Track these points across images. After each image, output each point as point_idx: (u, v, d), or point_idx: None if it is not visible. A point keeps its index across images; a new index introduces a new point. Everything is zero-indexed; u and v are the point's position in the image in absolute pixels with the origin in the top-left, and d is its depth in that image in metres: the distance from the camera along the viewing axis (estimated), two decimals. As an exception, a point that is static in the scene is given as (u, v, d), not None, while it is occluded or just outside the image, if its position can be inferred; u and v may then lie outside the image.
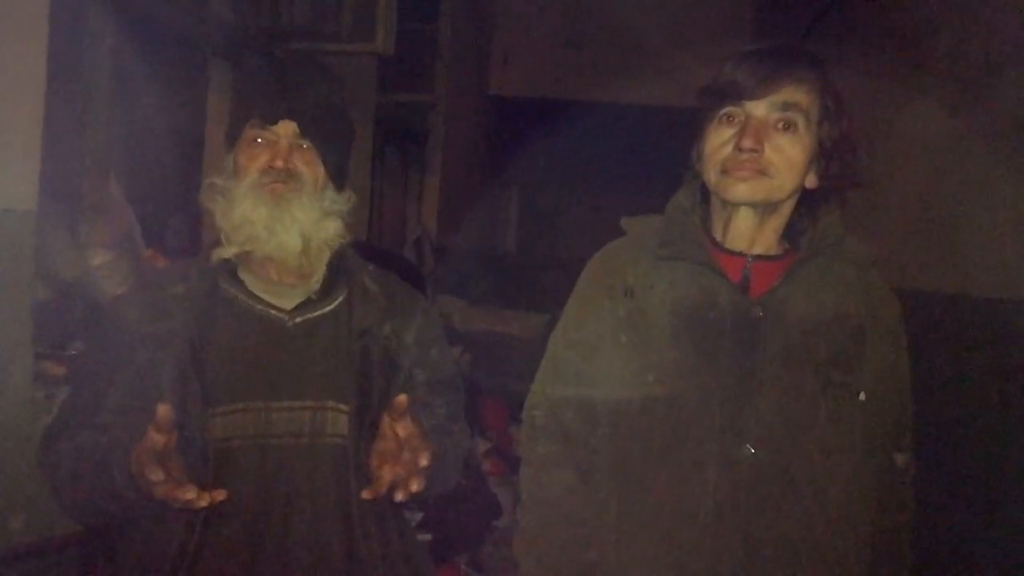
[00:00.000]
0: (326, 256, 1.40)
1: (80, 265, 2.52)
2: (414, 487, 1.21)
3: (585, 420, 1.37)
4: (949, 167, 3.06)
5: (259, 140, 1.36)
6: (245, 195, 1.33)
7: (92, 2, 2.69)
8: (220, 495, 1.18)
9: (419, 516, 3.08)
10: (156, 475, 1.14)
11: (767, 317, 1.29)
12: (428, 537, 2.99)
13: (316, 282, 1.41)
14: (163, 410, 1.13)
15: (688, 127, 1.39)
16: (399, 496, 1.21)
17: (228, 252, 1.36)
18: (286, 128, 1.36)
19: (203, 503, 1.16)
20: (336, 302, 1.42)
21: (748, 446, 1.26)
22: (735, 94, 1.28)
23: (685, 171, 1.39)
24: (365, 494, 1.24)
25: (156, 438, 1.15)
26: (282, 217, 1.33)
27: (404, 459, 1.23)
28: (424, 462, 1.22)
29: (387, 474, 1.23)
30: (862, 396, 1.30)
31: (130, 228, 2.72)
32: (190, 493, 1.14)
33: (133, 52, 2.95)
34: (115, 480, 1.23)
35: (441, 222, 6.47)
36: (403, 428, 1.24)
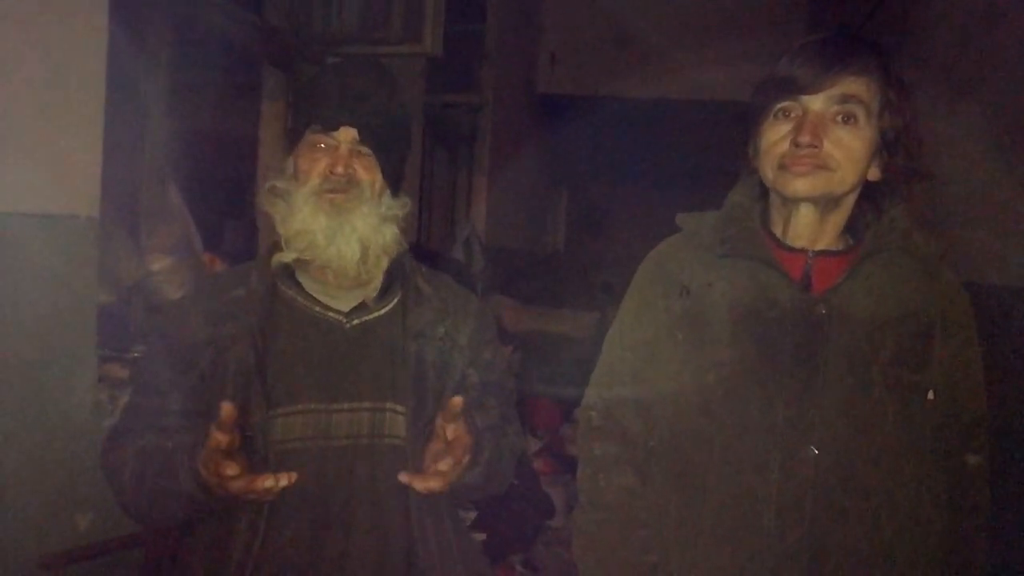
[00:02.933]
0: (384, 263, 1.42)
1: (141, 269, 2.57)
2: (433, 484, 1.25)
3: (643, 421, 1.35)
4: (1010, 159, 2.96)
5: (320, 145, 1.38)
6: (305, 202, 1.35)
7: (150, 13, 2.75)
8: (289, 478, 1.21)
9: (473, 515, 3.09)
10: (232, 469, 1.18)
11: (830, 315, 1.25)
12: (482, 536, 2.99)
13: (374, 289, 1.42)
14: (227, 409, 1.17)
15: (740, 121, 1.36)
16: (417, 485, 1.24)
17: (288, 257, 1.38)
18: (347, 134, 1.37)
19: (283, 483, 1.19)
20: (391, 304, 1.44)
21: (812, 447, 1.23)
22: (791, 88, 1.24)
23: (741, 166, 1.37)
24: (401, 476, 1.26)
25: (220, 437, 1.18)
26: (341, 227, 1.35)
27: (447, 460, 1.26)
28: (446, 466, 1.25)
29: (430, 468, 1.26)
30: (931, 395, 1.26)
31: (189, 233, 2.77)
32: (268, 481, 1.18)
33: (189, 61, 3.02)
34: (181, 482, 1.26)
35: (490, 222, 6.47)
36: (452, 430, 1.26)
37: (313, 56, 3.50)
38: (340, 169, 1.36)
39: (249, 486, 1.19)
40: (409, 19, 3.50)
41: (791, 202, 1.29)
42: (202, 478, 1.23)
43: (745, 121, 1.34)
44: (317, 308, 1.40)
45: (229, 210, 3.65)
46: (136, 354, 2.34)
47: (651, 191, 8.57)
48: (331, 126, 1.37)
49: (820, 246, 1.31)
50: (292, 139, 1.43)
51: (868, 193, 1.32)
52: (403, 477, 1.26)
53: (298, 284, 1.42)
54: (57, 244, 2.01)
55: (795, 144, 1.23)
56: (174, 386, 1.36)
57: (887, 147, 1.27)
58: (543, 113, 7.83)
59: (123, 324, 2.44)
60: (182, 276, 2.61)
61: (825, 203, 1.28)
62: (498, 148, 6.53)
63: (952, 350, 1.29)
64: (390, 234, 1.40)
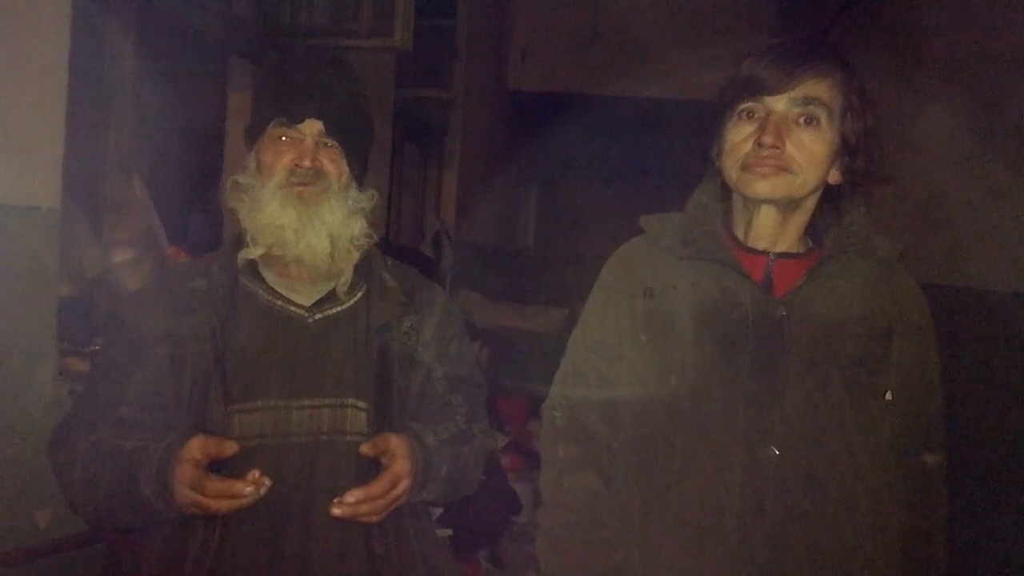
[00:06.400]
0: (355, 256, 1.40)
1: (103, 262, 2.54)
2: (357, 512, 1.28)
3: (606, 422, 1.36)
4: (976, 163, 3.01)
5: (284, 138, 1.36)
6: (272, 196, 1.34)
7: (114, 1, 2.71)
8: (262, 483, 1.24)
9: (439, 511, 3.09)
10: (256, 481, 1.22)
11: (791, 317, 1.27)
12: (448, 532, 2.99)
13: (345, 283, 1.41)
14: (230, 446, 1.23)
15: (710, 122, 1.37)
16: (335, 511, 1.27)
17: (255, 253, 1.36)
18: (312, 127, 1.36)
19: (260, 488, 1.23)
20: (355, 298, 1.42)
21: (773, 448, 1.24)
22: (755, 89, 1.26)
23: (705, 167, 1.38)
24: (334, 509, 1.28)
25: (199, 458, 1.22)
26: (311, 220, 1.34)
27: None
28: (352, 497, 1.28)
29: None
30: (889, 396, 1.28)
31: (153, 225, 2.73)
32: (249, 487, 1.22)
33: (154, 51, 2.97)
34: (141, 490, 1.24)
35: (460, 217, 6.46)
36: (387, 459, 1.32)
37: (281, 48, 3.47)
38: (307, 162, 1.35)
39: (231, 492, 1.22)
40: (379, 13, 3.48)
41: (753, 203, 1.30)
42: (169, 488, 1.23)
43: (712, 121, 1.35)
44: (279, 302, 1.39)
45: (195, 202, 3.61)
46: (97, 348, 2.30)
47: (621, 188, 8.61)
48: (296, 119, 1.35)
49: (781, 248, 1.33)
50: (253, 133, 1.41)
51: (829, 196, 1.34)
52: (335, 509, 1.27)
53: (260, 277, 1.40)
54: (17, 236, 1.97)
55: (758, 145, 1.25)
56: (130, 378, 1.34)
57: (848, 150, 1.29)
58: (514, 109, 7.83)
59: (85, 318, 2.40)
60: (145, 269, 2.58)
61: (786, 204, 1.30)
62: (468, 144, 6.52)
63: (910, 352, 1.31)
64: (358, 227, 1.39)
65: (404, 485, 1.31)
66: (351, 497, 1.27)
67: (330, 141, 1.37)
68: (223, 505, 1.22)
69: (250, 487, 1.22)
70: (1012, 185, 2.76)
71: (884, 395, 1.28)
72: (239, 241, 1.39)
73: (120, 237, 2.64)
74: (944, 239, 3.18)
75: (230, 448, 1.23)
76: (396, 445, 1.32)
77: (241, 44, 3.45)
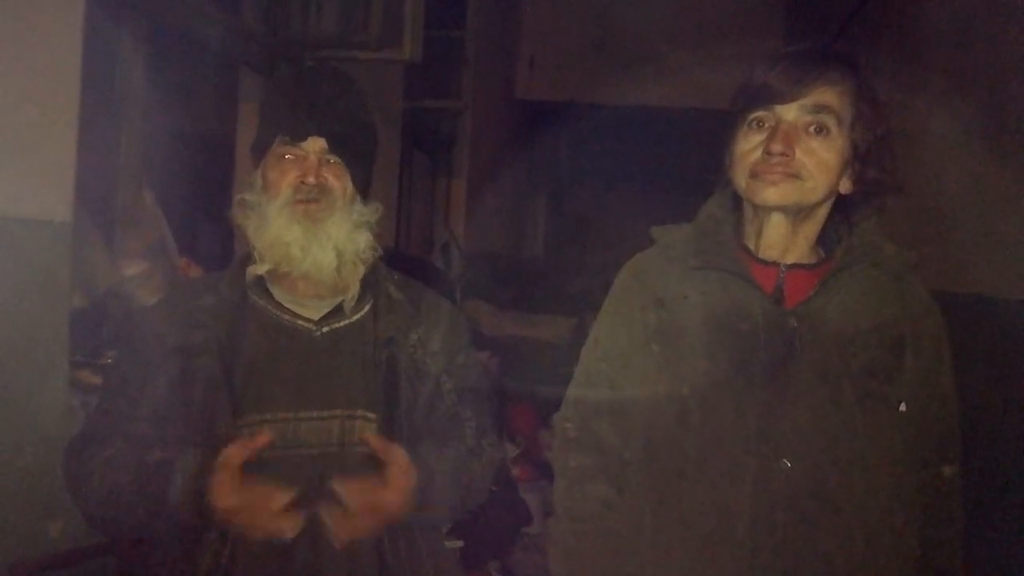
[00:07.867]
0: (361, 270, 1.41)
1: (115, 275, 2.55)
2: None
3: (618, 432, 1.35)
4: (984, 170, 3.00)
5: (288, 156, 1.38)
6: (279, 213, 1.35)
7: (126, 15, 2.73)
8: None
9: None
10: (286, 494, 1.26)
11: (802, 328, 1.26)
12: (459, 544, 2.98)
13: (352, 297, 1.42)
14: (263, 439, 1.26)
15: (718, 130, 1.37)
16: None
17: (262, 269, 1.38)
18: (314, 144, 1.37)
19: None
20: (362, 312, 1.43)
21: (784, 460, 1.23)
22: (765, 98, 1.25)
23: (716, 177, 1.38)
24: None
25: (235, 458, 1.24)
26: (317, 236, 1.35)
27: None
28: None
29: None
30: (902, 407, 1.26)
31: (164, 237, 2.74)
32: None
33: (166, 63, 2.99)
34: (169, 499, 1.25)
35: (469, 227, 6.47)
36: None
37: (291, 59, 3.49)
38: (311, 179, 1.36)
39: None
40: (388, 24, 3.50)
41: (763, 212, 1.30)
42: (204, 501, 1.24)
43: (723, 130, 1.35)
44: (287, 316, 1.40)
45: (206, 214, 3.62)
46: (108, 360, 2.31)
47: (630, 197, 8.62)
48: (299, 136, 1.37)
49: (792, 258, 1.32)
50: (258, 150, 1.42)
51: (840, 206, 1.33)
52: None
53: (268, 293, 1.42)
54: (29, 248, 1.98)
55: (767, 153, 1.24)
56: (142, 393, 1.35)
57: (859, 159, 1.28)
58: (522, 119, 7.85)
59: (96, 329, 2.41)
60: (156, 281, 2.59)
61: (796, 213, 1.29)
62: (477, 154, 6.54)
63: (923, 362, 1.30)
64: (364, 240, 1.41)
65: (383, 515, 1.31)
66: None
67: (333, 158, 1.39)
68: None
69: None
70: (1020, 192, 2.75)
71: (898, 406, 1.27)
72: (248, 258, 1.41)
73: (131, 249, 2.65)
74: (952, 246, 3.16)
75: (263, 441, 1.27)
76: (400, 458, 1.31)
77: (251, 55, 3.46)
